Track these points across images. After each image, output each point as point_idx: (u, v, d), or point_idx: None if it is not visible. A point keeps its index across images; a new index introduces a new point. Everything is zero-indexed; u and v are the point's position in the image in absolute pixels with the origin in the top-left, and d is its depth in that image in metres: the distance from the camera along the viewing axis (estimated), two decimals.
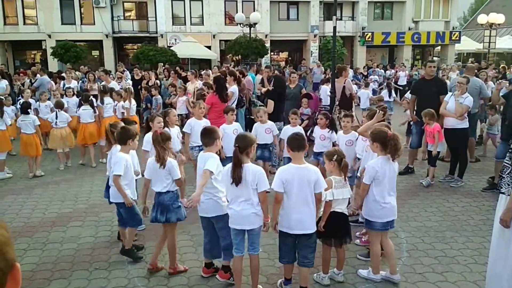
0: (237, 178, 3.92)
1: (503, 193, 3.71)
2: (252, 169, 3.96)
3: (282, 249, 4.12)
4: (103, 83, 11.76)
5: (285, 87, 8.70)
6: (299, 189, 3.88)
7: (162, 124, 6.13)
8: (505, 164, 3.74)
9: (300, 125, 7.71)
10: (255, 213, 4.01)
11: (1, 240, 1.03)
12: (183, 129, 7.18)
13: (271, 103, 8.35)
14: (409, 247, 5.26)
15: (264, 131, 7.35)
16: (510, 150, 3.71)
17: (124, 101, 9.89)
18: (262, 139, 7.30)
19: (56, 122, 9.12)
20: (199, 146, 6.92)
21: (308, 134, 7.73)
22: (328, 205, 4.18)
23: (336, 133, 6.77)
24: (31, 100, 10.32)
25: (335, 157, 4.34)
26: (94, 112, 9.34)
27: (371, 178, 4.26)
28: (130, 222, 4.97)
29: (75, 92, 11.85)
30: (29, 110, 8.80)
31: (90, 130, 9.31)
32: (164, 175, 4.54)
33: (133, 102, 10.14)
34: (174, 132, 6.53)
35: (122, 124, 5.65)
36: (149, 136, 5.96)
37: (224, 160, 5.49)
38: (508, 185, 3.66)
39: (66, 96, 11.06)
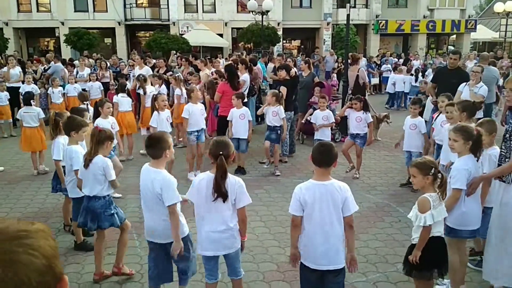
0: (223, 192, 3.29)
1: (503, 181, 3.71)
2: (230, 181, 3.34)
3: (302, 284, 3.38)
4: (136, 69, 11.61)
5: (296, 76, 8.68)
6: (323, 212, 3.13)
7: (111, 109, 6.55)
8: (501, 152, 3.76)
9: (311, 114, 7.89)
10: (231, 235, 3.40)
11: (49, 253, 0.96)
12: (182, 115, 7.37)
13: (284, 89, 8.33)
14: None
15: (271, 113, 7.64)
16: (504, 140, 3.67)
17: (175, 89, 9.72)
18: (269, 121, 7.72)
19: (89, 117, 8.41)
20: (197, 131, 7.11)
21: (307, 118, 8.70)
22: (427, 231, 3.33)
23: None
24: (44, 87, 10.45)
25: (432, 171, 3.37)
26: (132, 100, 8.95)
27: (465, 182, 3.69)
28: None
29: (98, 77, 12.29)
30: (32, 101, 8.23)
31: (128, 120, 8.67)
32: (91, 177, 4.08)
33: (184, 90, 9.44)
34: (164, 115, 7.07)
35: (68, 113, 5.53)
36: (98, 122, 6.28)
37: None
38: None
39: (90, 80, 11.72)
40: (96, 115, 6.74)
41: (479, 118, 7.41)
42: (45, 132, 8.03)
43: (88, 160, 4.10)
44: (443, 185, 3.43)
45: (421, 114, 7.20)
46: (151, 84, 9.82)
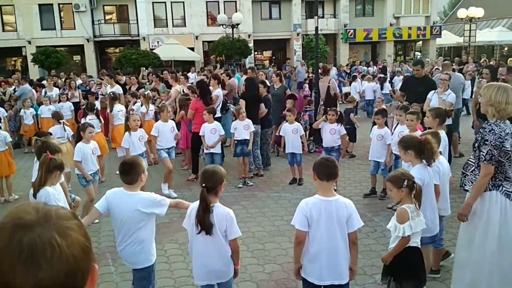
0: (207, 225, 3.21)
1: (467, 190, 3.81)
2: (220, 212, 3.27)
3: None
4: (108, 87, 11.55)
5: (257, 89, 8.65)
6: (328, 228, 3.16)
7: (94, 134, 6.37)
8: (469, 162, 3.82)
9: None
10: (224, 264, 3.35)
11: (88, 237, 1.03)
12: (151, 133, 7.38)
13: (242, 103, 8.36)
14: None
15: (242, 127, 7.69)
16: (474, 149, 3.76)
17: (141, 106, 9.68)
18: (241, 135, 7.71)
19: (66, 135, 7.78)
20: (168, 149, 7.13)
21: (278, 131, 8.60)
22: (405, 241, 3.43)
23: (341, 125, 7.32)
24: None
25: (405, 183, 3.46)
26: (100, 121, 8.66)
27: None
28: None
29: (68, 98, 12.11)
30: (0, 124, 8.08)
31: (97, 141, 8.28)
32: None
33: (151, 107, 9.64)
34: (136, 135, 6.95)
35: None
36: (79, 146, 6.16)
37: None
38: (472, 182, 3.75)
39: (60, 101, 11.54)
40: (78, 139, 6.47)
41: (449, 125, 7.67)
42: (12, 155, 7.81)
43: (36, 189, 3.97)
44: (418, 195, 3.52)
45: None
46: (124, 103, 9.77)
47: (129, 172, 3.50)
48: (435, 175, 3.99)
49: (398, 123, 6.64)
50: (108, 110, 9.39)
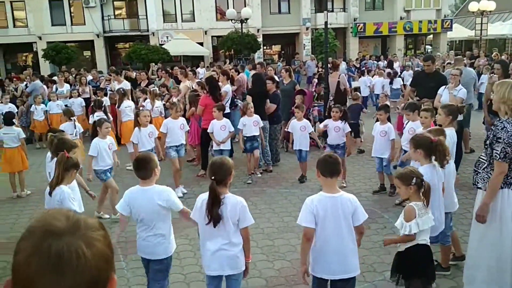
0: (216, 217, 3.25)
1: (480, 188, 3.77)
2: (231, 202, 3.31)
3: None
4: (115, 83, 11.61)
5: (264, 85, 8.65)
6: (334, 224, 3.21)
7: (110, 129, 6.39)
8: (481, 159, 3.78)
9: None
10: (236, 255, 3.37)
11: (111, 248, 1.07)
12: (160, 129, 7.38)
13: (249, 98, 8.36)
14: None
15: (252, 123, 7.69)
16: (485, 146, 3.73)
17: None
18: (250, 131, 7.70)
19: (75, 132, 7.82)
20: (176, 146, 7.11)
21: (287, 127, 8.52)
22: (410, 238, 3.48)
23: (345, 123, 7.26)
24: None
25: (414, 181, 3.48)
26: (108, 118, 8.50)
27: None
28: None
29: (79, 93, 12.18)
30: (14, 120, 8.18)
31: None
32: (54, 205, 4.01)
33: (157, 104, 9.57)
34: (146, 131, 6.91)
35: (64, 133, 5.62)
36: (95, 141, 6.21)
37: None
38: (484, 180, 3.72)
39: (72, 97, 11.65)
40: (94, 134, 6.55)
41: (460, 120, 7.60)
42: (25, 151, 7.95)
43: (53, 188, 4.06)
44: (426, 192, 3.51)
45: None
46: (132, 99, 9.81)
47: (143, 167, 3.65)
48: (441, 175, 3.97)
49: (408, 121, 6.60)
50: (116, 106, 9.45)
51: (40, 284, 0.95)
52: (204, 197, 3.41)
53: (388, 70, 17.28)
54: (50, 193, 4.09)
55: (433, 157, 3.91)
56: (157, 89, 10.79)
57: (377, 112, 7.26)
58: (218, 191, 3.27)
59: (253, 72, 12.70)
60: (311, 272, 3.35)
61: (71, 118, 8.12)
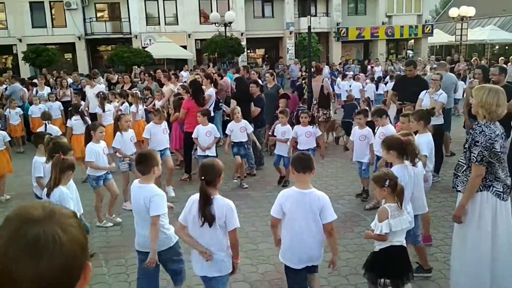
0: (208, 217, 3.30)
1: (459, 191, 3.83)
2: (219, 203, 3.36)
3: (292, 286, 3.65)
4: (87, 88, 11.46)
5: (248, 89, 8.63)
6: (302, 217, 3.42)
7: (104, 134, 6.24)
8: (460, 162, 3.85)
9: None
10: (222, 260, 3.44)
11: (85, 235, 1.12)
12: (143, 135, 7.26)
13: (233, 103, 8.37)
14: None
15: (239, 129, 7.59)
16: (464, 149, 3.80)
17: (130, 106, 9.77)
18: (237, 137, 7.61)
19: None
20: (161, 151, 7.01)
21: (271, 131, 8.50)
22: (381, 238, 3.59)
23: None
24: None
25: (387, 183, 3.60)
26: (85, 123, 8.39)
27: None
28: None
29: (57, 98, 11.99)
30: None
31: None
32: None
33: (140, 107, 9.70)
34: (128, 135, 6.76)
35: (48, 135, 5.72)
36: (90, 146, 6.08)
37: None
38: (463, 183, 3.78)
39: (49, 101, 11.37)
40: (87, 139, 6.28)
41: (441, 124, 7.72)
42: (10, 154, 7.94)
43: (50, 189, 4.11)
44: (399, 194, 3.64)
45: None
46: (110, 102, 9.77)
47: (143, 163, 3.78)
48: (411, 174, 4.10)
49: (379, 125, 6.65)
50: (99, 110, 9.36)
51: (18, 269, 0.98)
52: (194, 198, 3.46)
53: (361, 74, 17.38)
54: (48, 195, 4.18)
55: (405, 158, 4.04)
56: (138, 92, 10.71)
57: (356, 116, 7.23)
58: (208, 191, 3.34)
59: (236, 75, 12.72)
60: (282, 259, 3.65)
61: (44, 121, 8.29)
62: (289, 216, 3.46)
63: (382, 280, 3.63)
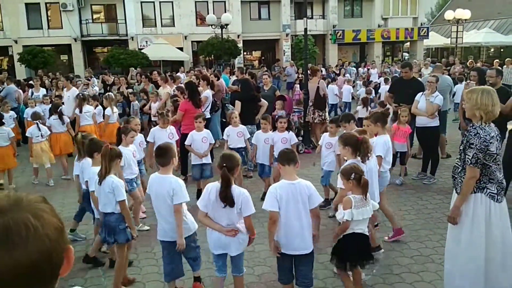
0: (229, 199, 3.70)
1: (459, 193, 3.84)
2: (236, 192, 3.74)
3: (281, 270, 3.94)
4: (64, 89, 11.55)
5: (252, 89, 8.61)
6: (295, 207, 3.69)
7: (135, 139, 6.19)
8: (456, 165, 3.88)
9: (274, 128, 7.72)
10: (238, 238, 3.86)
11: (60, 219, 1.10)
12: (147, 139, 7.16)
13: (238, 104, 8.35)
14: (386, 247, 5.31)
15: (236, 134, 7.42)
16: (460, 151, 3.82)
17: (105, 108, 9.94)
18: (234, 143, 7.38)
19: (41, 134, 8.43)
20: None
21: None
22: (345, 225, 3.94)
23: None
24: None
25: (353, 176, 3.95)
26: (63, 122, 8.92)
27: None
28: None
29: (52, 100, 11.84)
30: (3, 120, 8.52)
31: (64, 140, 9.01)
32: (105, 194, 4.32)
33: (115, 109, 9.97)
34: (137, 140, 6.58)
35: (93, 135, 5.70)
36: (121, 149, 5.92)
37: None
38: (459, 184, 3.81)
39: (43, 103, 11.27)
40: (118, 142, 6.05)
41: (437, 126, 7.75)
42: (15, 149, 8.50)
43: (102, 177, 4.32)
44: (363, 187, 3.95)
45: None
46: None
47: (163, 155, 4.08)
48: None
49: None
50: (77, 111, 9.70)
51: None
52: (211, 186, 3.85)
53: (369, 77, 17.40)
54: (100, 182, 4.35)
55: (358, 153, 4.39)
56: (112, 94, 10.82)
57: (329, 123, 6.89)
58: (230, 177, 3.70)
59: (233, 77, 12.75)
60: (281, 248, 3.78)
61: (34, 121, 8.58)
62: (283, 207, 3.67)
63: (348, 263, 4.00)
